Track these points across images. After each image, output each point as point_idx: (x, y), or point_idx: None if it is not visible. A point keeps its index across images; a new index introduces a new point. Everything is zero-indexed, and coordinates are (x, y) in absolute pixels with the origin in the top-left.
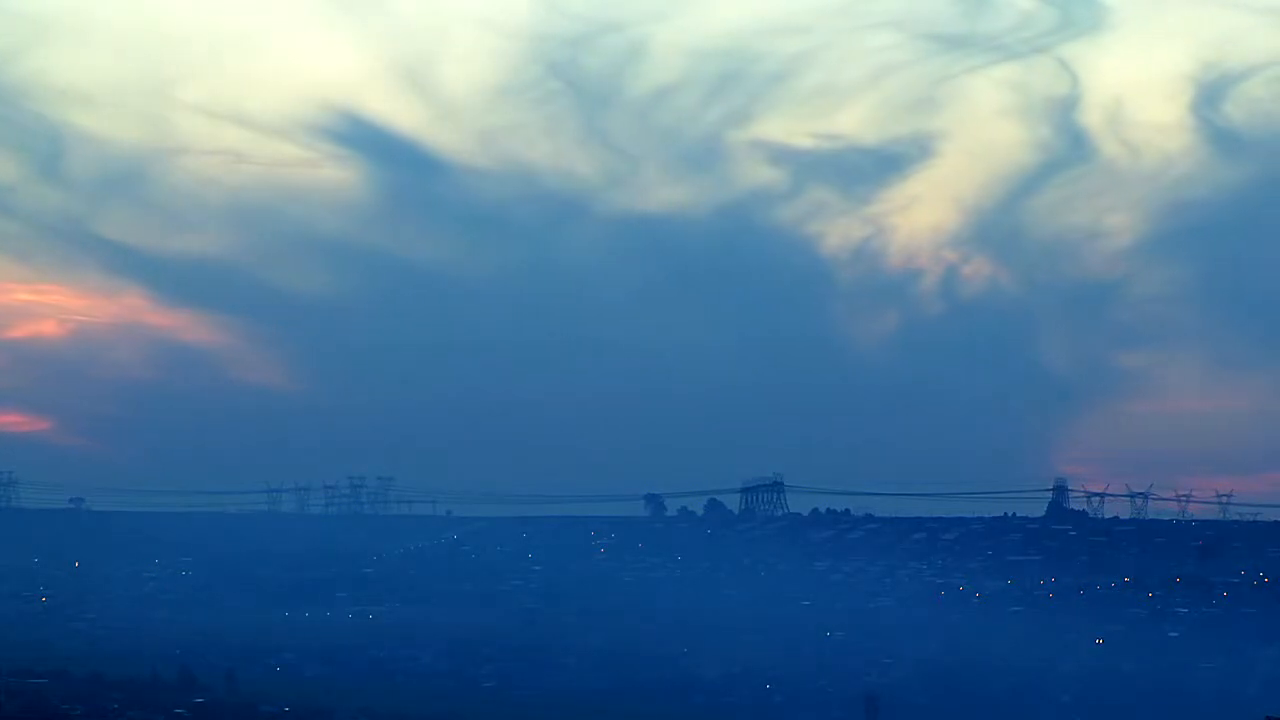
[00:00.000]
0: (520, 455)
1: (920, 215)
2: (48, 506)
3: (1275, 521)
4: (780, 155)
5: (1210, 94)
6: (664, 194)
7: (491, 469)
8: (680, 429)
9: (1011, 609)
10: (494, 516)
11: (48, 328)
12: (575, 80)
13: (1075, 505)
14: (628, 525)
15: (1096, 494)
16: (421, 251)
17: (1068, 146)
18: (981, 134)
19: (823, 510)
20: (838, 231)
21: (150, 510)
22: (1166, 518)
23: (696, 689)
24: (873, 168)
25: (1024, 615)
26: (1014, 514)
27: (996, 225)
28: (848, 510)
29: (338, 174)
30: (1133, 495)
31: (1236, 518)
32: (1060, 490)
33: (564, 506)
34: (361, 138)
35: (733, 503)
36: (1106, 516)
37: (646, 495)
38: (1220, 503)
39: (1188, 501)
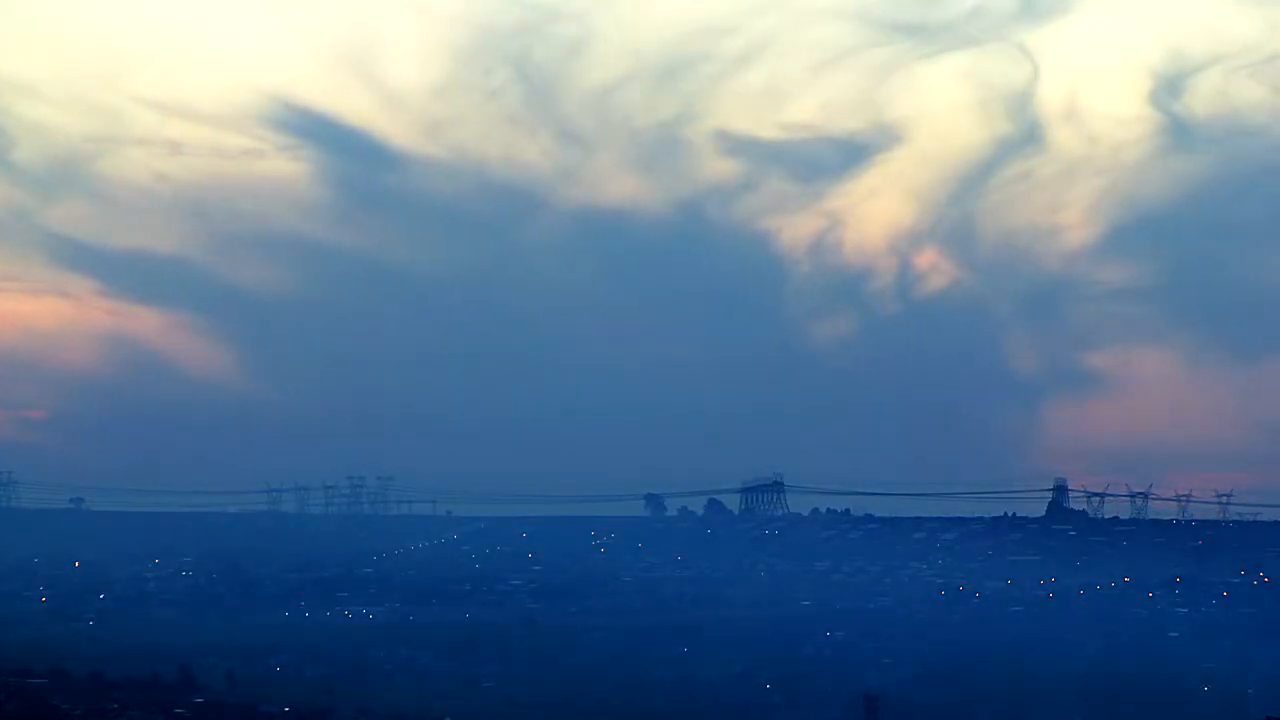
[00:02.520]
0: (520, 455)
1: (880, 208)
2: (48, 506)
3: (1275, 521)
4: (736, 146)
5: (1170, 84)
6: (619, 186)
7: (491, 469)
8: (680, 429)
9: (1011, 609)
10: (494, 516)
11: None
12: (525, 70)
13: (1075, 505)
14: (628, 525)
15: (1096, 494)
16: (378, 247)
17: (1026, 136)
18: (943, 123)
19: (823, 510)
20: (795, 225)
21: (150, 510)
22: (1166, 518)
23: (696, 689)
24: (834, 157)
25: (1024, 615)
26: (1014, 514)
27: (963, 219)
28: (848, 510)
29: (288, 165)
30: (1133, 495)
31: (1236, 518)
32: (1060, 490)
33: (564, 506)
34: (311, 129)
35: (733, 503)
36: (1106, 516)
37: (646, 495)
38: (1220, 503)
39: (1188, 501)
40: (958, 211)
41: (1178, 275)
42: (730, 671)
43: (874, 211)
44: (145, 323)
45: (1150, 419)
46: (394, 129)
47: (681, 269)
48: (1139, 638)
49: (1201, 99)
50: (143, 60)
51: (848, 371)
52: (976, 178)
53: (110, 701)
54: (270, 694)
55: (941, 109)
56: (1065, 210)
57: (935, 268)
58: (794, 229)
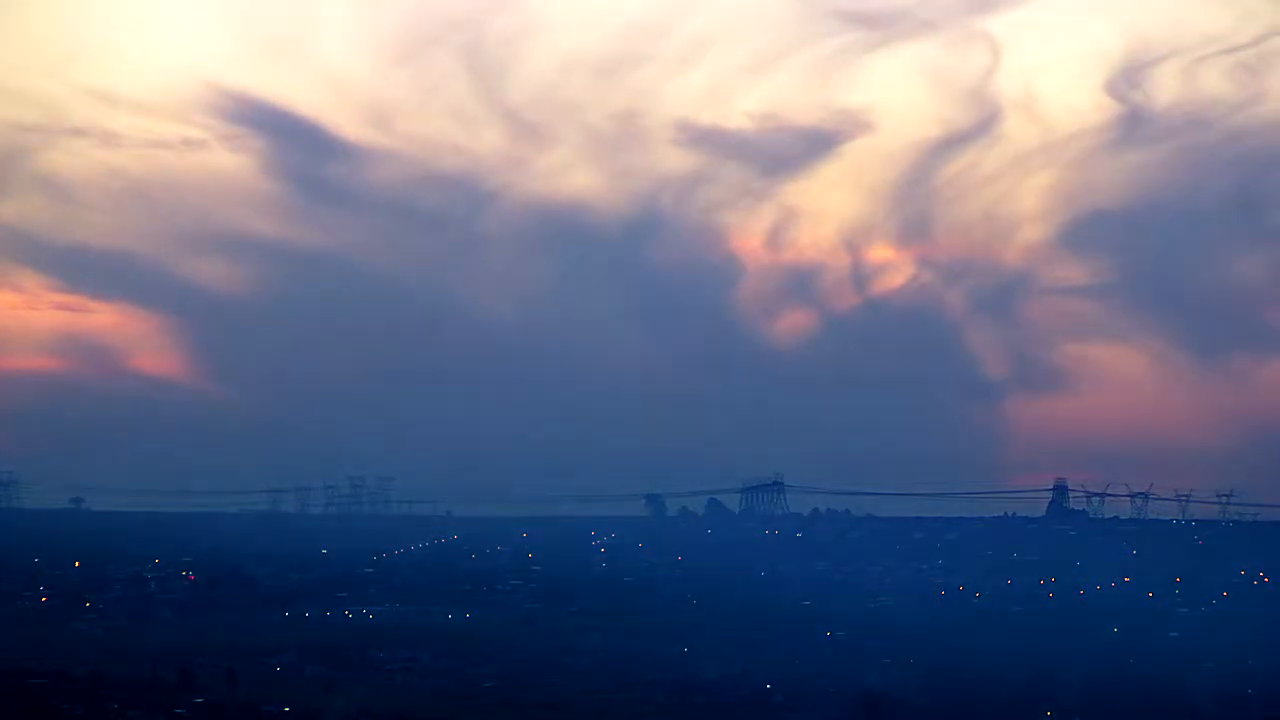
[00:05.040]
0: (520, 455)
1: (840, 202)
2: (48, 506)
3: (1275, 521)
4: (688, 138)
5: (1131, 75)
6: (573, 176)
7: (491, 469)
8: (681, 429)
9: (1012, 609)
10: (494, 516)
11: None
12: (471, 59)
13: (1075, 505)
14: (628, 525)
15: (1097, 494)
16: (332, 242)
17: (985, 126)
18: (903, 115)
19: (823, 510)
20: (753, 219)
21: (150, 510)
22: (1166, 518)
23: (696, 689)
24: (793, 149)
25: (1024, 615)
26: (1014, 514)
27: (927, 212)
28: (848, 510)
29: (231, 156)
30: (1133, 495)
31: (1236, 518)
32: (1060, 490)
33: (564, 506)
34: (254, 119)
35: (733, 503)
36: (1106, 516)
37: (646, 495)
38: (1220, 503)
39: (1188, 502)
40: (921, 205)
41: (1151, 270)
42: (730, 671)
43: (832, 205)
44: (102, 319)
45: (1151, 419)
46: (338, 118)
47: (640, 263)
48: (1139, 638)
49: (1162, 90)
50: (85, 50)
51: (838, 370)
52: (937, 168)
53: (110, 701)
54: (270, 694)
55: (900, 100)
56: (1035, 201)
57: (899, 265)
58: (751, 223)
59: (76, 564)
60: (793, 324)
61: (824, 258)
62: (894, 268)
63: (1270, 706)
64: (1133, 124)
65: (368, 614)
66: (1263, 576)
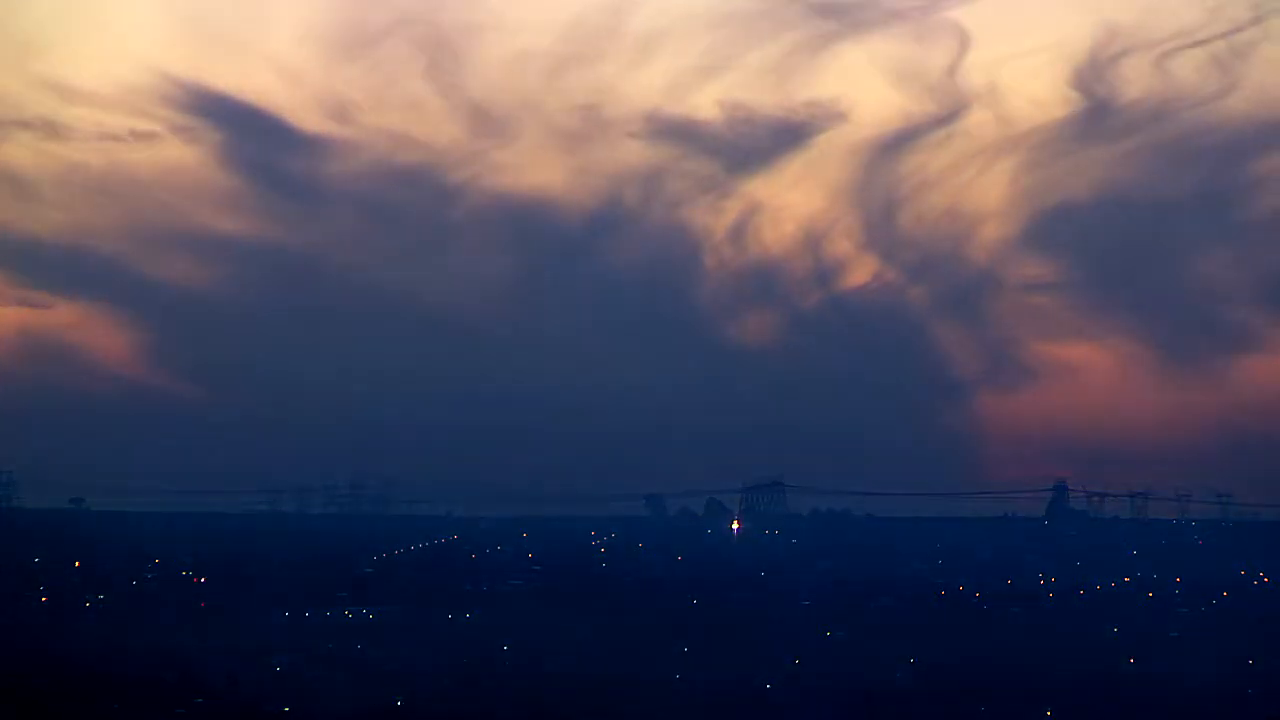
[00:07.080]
0: (520, 455)
1: (807, 196)
2: (48, 506)
3: (1275, 521)
4: (649, 130)
5: (1098, 68)
6: (536, 170)
7: (491, 469)
8: (681, 429)
9: (1011, 609)
10: (494, 516)
11: None
12: (428, 47)
13: (1075, 505)
14: (628, 525)
15: (1096, 494)
16: (301, 240)
17: (954, 118)
18: (873, 108)
19: (823, 510)
20: (722, 215)
21: (150, 510)
22: (1166, 518)
23: (696, 689)
24: (763, 141)
25: (1024, 615)
26: (1014, 514)
27: (906, 208)
28: (848, 510)
29: (191, 149)
30: (1133, 495)
31: (1236, 518)
32: (1060, 490)
33: (564, 506)
34: (213, 111)
35: (733, 503)
36: (1106, 516)
37: (646, 495)
38: (1220, 503)
39: (1188, 502)
40: (891, 199)
41: (1154, 267)
42: (730, 672)
43: (799, 199)
44: (69, 315)
45: (1150, 419)
46: (295, 109)
47: (609, 258)
48: (1139, 638)
49: (1130, 83)
50: (35, 40)
51: (835, 369)
52: (913, 160)
53: (110, 702)
54: (270, 694)
55: (869, 93)
56: (1007, 194)
57: (871, 261)
58: (721, 218)
59: (76, 564)
60: (787, 321)
61: (795, 252)
62: (864, 263)
63: (1271, 706)
64: (1100, 117)
65: (368, 614)
66: (1263, 576)
